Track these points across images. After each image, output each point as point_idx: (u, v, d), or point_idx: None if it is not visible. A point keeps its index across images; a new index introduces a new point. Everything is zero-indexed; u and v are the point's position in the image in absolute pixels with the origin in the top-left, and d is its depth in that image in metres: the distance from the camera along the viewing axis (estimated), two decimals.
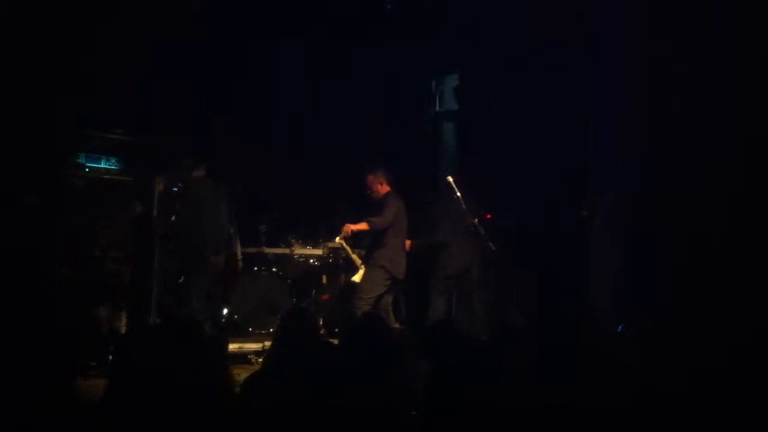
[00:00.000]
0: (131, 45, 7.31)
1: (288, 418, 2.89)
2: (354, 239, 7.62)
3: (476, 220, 7.20)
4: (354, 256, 7.67)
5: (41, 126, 6.44)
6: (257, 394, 3.21)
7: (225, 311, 7.72)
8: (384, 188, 7.33)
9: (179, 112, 7.90)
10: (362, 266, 7.46)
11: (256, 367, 5.85)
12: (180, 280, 7.35)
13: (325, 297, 8.40)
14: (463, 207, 7.21)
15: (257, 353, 6.74)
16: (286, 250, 8.32)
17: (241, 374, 4.09)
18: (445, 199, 7.46)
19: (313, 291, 8.35)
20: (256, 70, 8.77)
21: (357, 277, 7.47)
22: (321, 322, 8.15)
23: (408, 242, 7.33)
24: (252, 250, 8.05)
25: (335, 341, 4.71)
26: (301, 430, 2.89)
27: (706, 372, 3.17)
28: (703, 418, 2.91)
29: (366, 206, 7.43)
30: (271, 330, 6.91)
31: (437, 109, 9.77)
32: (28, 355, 3.33)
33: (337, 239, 7.54)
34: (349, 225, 7.17)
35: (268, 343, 5.03)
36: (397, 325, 7.81)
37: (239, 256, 7.54)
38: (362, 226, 7.18)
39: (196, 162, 7.23)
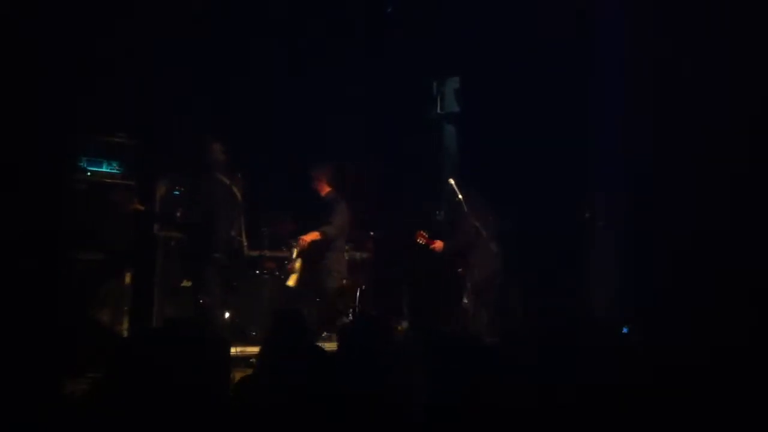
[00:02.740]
0: (132, 47, 7.33)
1: (280, 420, 2.89)
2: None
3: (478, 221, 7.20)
4: (297, 264, 7.67)
5: (42, 129, 6.45)
6: (249, 396, 3.21)
7: (227, 315, 7.70)
8: (324, 188, 7.42)
9: (180, 115, 7.90)
10: (298, 270, 7.50)
11: None
12: (183, 284, 7.35)
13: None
14: (465, 209, 7.21)
15: None
16: (288, 253, 8.31)
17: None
18: (469, 203, 7.40)
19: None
20: (256, 72, 8.77)
21: (291, 281, 7.51)
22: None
23: (440, 243, 7.36)
24: (254, 253, 8.03)
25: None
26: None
27: (705, 372, 3.16)
28: (703, 417, 2.91)
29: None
30: None
31: (439, 111, 9.78)
32: (28, 357, 3.34)
33: (295, 253, 7.51)
34: (304, 238, 7.27)
35: None
36: (400, 327, 7.82)
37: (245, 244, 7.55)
38: (315, 235, 7.27)
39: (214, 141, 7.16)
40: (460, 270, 7.40)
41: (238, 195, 6.88)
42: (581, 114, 7.02)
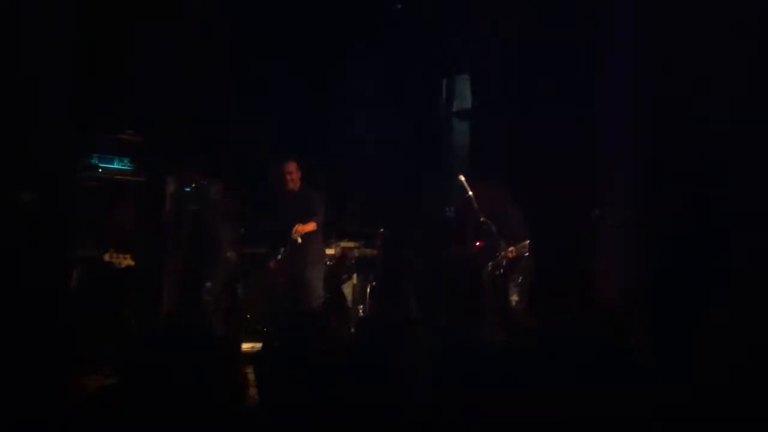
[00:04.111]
0: (143, 46, 7.36)
1: (286, 420, 2.89)
2: None
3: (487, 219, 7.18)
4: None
5: (54, 127, 6.48)
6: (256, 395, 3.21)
7: (236, 312, 7.74)
8: (298, 182, 7.59)
9: (191, 113, 7.93)
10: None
11: None
12: (193, 279, 7.37)
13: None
14: (475, 206, 7.17)
15: None
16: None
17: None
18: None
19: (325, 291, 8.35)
20: (265, 70, 8.79)
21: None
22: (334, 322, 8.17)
23: (513, 249, 7.19)
24: (263, 250, 8.05)
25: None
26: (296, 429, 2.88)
27: (711, 372, 3.15)
28: (707, 419, 2.90)
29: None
30: None
31: (449, 108, 9.77)
32: (35, 354, 3.36)
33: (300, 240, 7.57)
34: (304, 228, 7.37)
35: None
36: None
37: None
38: (312, 226, 7.41)
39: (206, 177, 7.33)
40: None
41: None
42: (589, 112, 7.01)
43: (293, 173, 7.56)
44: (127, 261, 6.80)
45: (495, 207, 7.21)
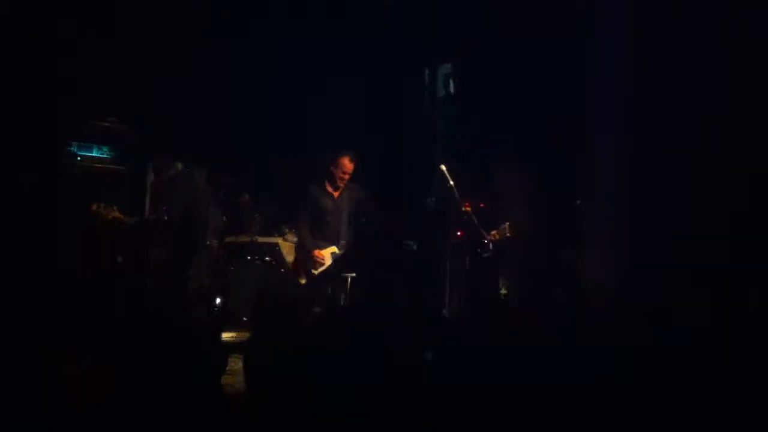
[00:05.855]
0: (125, 34, 7.31)
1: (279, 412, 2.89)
2: None
3: (469, 209, 7.18)
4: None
5: (34, 114, 6.42)
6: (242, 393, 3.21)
7: (218, 300, 7.70)
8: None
9: (173, 101, 7.88)
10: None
11: None
12: (176, 266, 7.34)
13: None
14: (456, 196, 7.18)
15: None
16: (279, 239, 8.29)
17: (237, 363, 4.06)
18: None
19: None
20: (251, 62, 8.75)
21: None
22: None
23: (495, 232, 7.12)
24: (245, 239, 8.01)
25: None
26: (290, 425, 2.88)
27: (706, 370, 3.14)
28: (703, 416, 2.90)
29: None
30: None
31: (432, 97, 9.76)
32: (18, 342, 3.33)
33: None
34: None
35: None
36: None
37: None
38: None
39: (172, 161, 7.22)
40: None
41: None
42: (576, 100, 7.02)
43: (348, 173, 7.23)
44: (115, 213, 6.69)
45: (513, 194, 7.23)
